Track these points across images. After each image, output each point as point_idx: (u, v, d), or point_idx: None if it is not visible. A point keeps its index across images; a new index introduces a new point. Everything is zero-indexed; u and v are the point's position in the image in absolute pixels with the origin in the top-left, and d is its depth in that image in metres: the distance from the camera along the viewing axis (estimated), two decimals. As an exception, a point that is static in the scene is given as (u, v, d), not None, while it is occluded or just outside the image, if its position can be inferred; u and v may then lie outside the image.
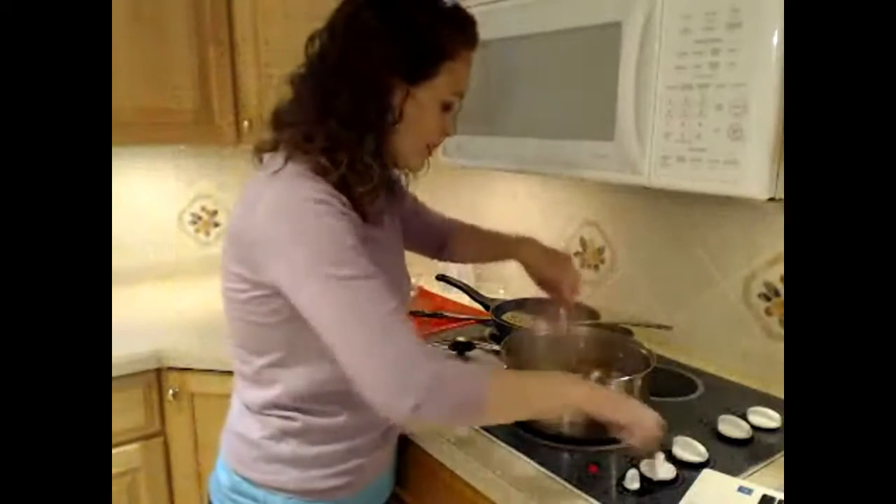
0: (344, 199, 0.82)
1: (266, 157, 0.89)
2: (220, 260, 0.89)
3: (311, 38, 0.88)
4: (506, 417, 0.89)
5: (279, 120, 0.88)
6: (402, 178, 1.05)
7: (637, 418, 0.84)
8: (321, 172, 0.82)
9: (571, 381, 0.90)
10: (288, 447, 0.92)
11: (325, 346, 0.78)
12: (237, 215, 0.85)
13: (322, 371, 0.86)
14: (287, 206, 0.80)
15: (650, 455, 0.90)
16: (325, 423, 0.91)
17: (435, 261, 1.94)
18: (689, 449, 0.95)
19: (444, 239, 1.27)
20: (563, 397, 0.85)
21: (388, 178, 0.98)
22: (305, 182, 0.81)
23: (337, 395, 0.89)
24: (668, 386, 1.19)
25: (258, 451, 0.93)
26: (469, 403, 0.78)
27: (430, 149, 0.94)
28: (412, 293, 1.82)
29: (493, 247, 1.28)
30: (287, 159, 0.84)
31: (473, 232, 1.29)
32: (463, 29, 0.88)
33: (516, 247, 1.23)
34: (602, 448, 0.98)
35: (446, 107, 0.90)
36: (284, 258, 0.79)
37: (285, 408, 0.91)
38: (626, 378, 1.00)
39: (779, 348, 1.22)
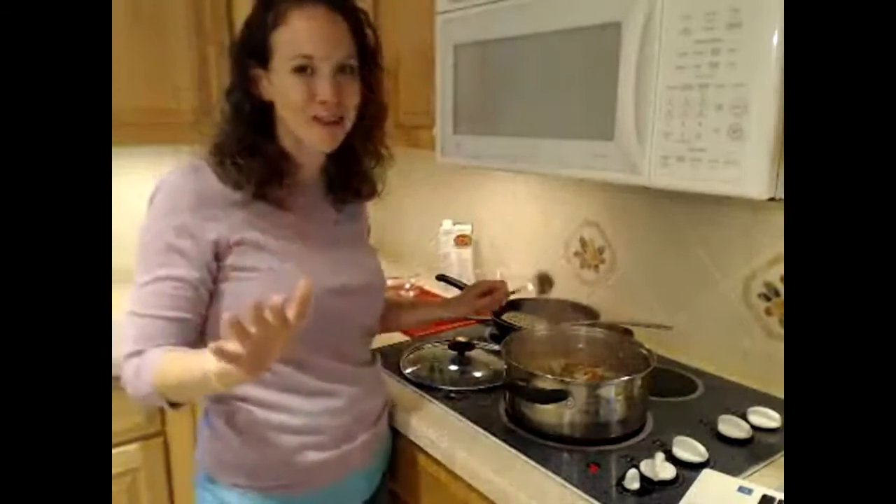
0: (229, 190, 0.90)
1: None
2: None
3: None
4: (174, 398, 0.90)
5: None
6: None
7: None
8: (211, 165, 0.91)
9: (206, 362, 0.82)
10: (238, 440, 0.94)
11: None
12: None
13: None
14: (151, 197, 0.92)
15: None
16: (269, 416, 0.93)
17: (436, 260, 1.95)
18: (689, 449, 0.95)
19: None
20: (209, 382, 0.82)
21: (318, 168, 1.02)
22: (178, 174, 0.91)
23: (272, 383, 0.93)
24: (668, 386, 1.19)
25: (216, 445, 0.96)
26: (140, 395, 0.87)
27: (320, 121, 0.91)
28: (411, 293, 1.82)
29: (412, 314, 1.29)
30: (193, 154, 0.93)
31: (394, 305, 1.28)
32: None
33: (439, 309, 1.31)
34: (602, 448, 0.98)
35: (300, 71, 0.89)
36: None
37: (217, 401, 0.96)
38: (626, 378, 1.00)
39: (779, 348, 1.22)
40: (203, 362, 0.77)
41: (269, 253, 0.91)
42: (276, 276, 0.90)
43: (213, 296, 0.92)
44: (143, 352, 0.86)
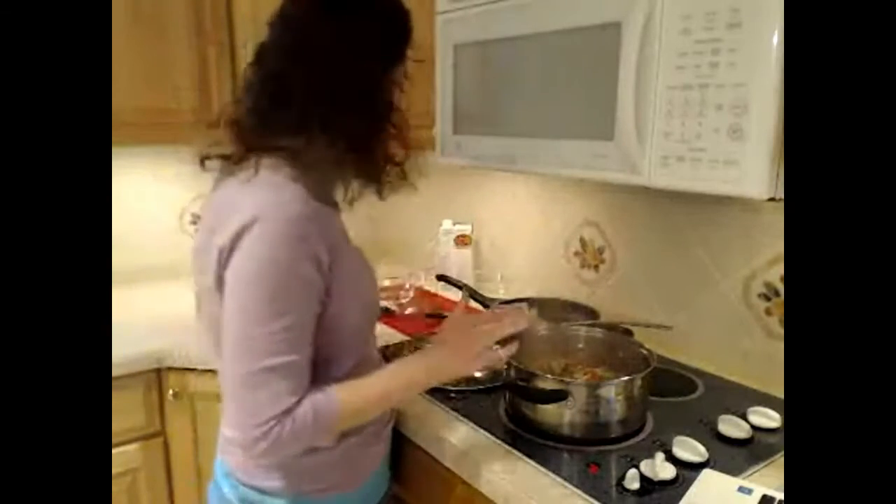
0: (323, 206, 0.83)
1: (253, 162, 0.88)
2: (200, 278, 0.89)
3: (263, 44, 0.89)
4: (356, 424, 0.92)
5: (248, 127, 0.88)
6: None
7: (474, 356, 0.92)
8: (299, 179, 0.83)
9: (413, 368, 0.92)
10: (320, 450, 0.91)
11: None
12: (209, 228, 0.85)
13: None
14: (261, 221, 0.79)
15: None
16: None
17: (434, 260, 1.94)
18: (689, 449, 0.95)
19: None
20: (414, 387, 0.93)
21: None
22: (288, 195, 0.81)
23: None
24: (668, 386, 1.19)
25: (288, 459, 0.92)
26: (318, 437, 0.84)
27: None
28: (410, 293, 1.82)
29: None
30: (258, 165, 0.84)
31: None
32: (407, 10, 0.91)
33: None
34: (602, 448, 0.98)
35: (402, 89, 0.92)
36: (232, 265, 0.80)
37: None
38: (626, 378, 1.00)
39: (779, 348, 1.22)
40: (414, 368, 0.92)
41: (350, 260, 0.89)
42: (359, 286, 0.91)
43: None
44: (300, 402, 0.80)
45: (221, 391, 0.92)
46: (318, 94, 0.83)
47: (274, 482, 0.93)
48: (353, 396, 0.86)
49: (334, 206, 0.91)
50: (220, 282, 0.83)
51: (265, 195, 0.81)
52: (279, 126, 0.85)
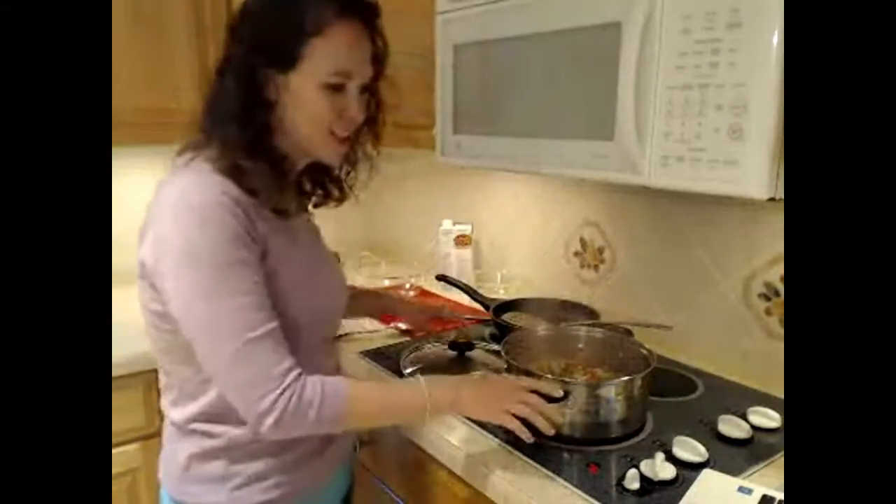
0: (245, 196, 0.82)
1: (178, 157, 0.89)
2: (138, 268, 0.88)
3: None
4: (366, 426, 0.94)
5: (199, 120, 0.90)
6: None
7: (502, 410, 0.90)
8: (224, 170, 0.82)
9: (426, 391, 0.88)
10: (217, 465, 0.90)
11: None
12: (147, 217, 0.85)
13: None
14: (181, 208, 0.80)
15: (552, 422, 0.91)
16: (249, 439, 0.87)
17: (435, 260, 1.95)
18: (689, 449, 0.95)
19: None
20: (419, 410, 0.88)
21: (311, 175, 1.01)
22: (205, 181, 0.81)
23: None
24: (668, 386, 1.19)
25: (189, 472, 0.92)
26: (324, 422, 0.82)
27: (337, 136, 0.89)
28: (411, 293, 1.83)
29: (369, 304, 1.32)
30: (192, 157, 0.85)
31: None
32: (329, 1, 0.83)
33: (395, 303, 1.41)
34: (602, 448, 0.98)
35: (334, 88, 0.85)
36: (167, 260, 0.80)
37: (208, 420, 0.89)
38: (626, 378, 1.00)
39: (779, 348, 1.22)
40: (441, 387, 0.90)
41: (288, 265, 0.87)
42: (301, 287, 0.89)
43: None
44: (305, 378, 0.81)
45: (166, 384, 0.95)
46: (217, 90, 0.88)
47: (201, 498, 0.91)
48: (363, 392, 0.86)
49: (281, 211, 0.88)
50: (147, 264, 0.83)
51: (188, 179, 0.82)
52: (206, 122, 0.89)
